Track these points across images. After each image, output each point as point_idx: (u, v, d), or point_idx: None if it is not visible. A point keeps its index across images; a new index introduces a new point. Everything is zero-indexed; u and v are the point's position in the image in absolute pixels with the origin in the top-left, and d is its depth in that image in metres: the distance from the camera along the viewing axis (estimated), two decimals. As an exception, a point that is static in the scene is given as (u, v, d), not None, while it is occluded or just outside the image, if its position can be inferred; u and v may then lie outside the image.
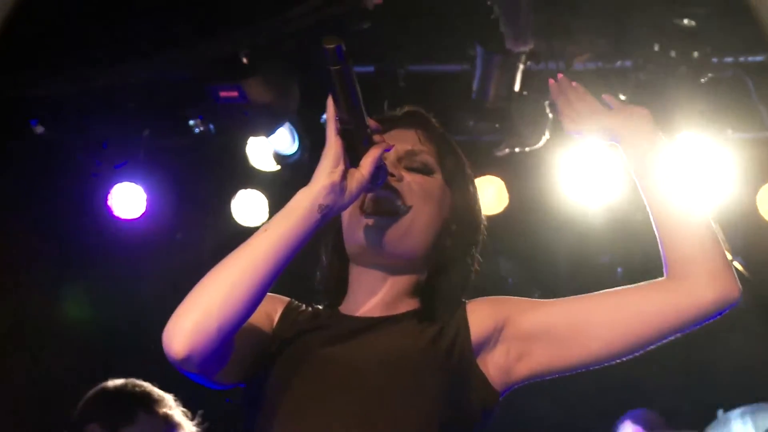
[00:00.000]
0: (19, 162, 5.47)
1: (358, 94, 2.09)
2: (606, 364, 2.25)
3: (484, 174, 5.46)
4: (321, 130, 5.12)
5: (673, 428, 5.42)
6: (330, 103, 2.12)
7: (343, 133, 2.14)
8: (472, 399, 2.20)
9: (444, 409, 2.14)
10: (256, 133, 5.14)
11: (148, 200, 5.50)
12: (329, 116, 2.14)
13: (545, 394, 2.31)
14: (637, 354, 2.23)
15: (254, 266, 2.07)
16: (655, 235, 2.27)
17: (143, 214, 5.52)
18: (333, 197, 2.12)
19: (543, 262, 6.10)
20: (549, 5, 4.63)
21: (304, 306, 2.36)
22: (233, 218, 5.70)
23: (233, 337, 2.09)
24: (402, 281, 2.30)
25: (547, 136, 4.94)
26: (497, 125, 4.92)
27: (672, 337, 2.21)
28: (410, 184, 2.28)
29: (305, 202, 2.12)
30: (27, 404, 5.61)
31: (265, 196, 5.69)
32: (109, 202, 5.48)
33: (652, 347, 2.22)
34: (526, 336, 2.22)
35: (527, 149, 5.00)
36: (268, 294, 2.13)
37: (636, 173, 2.31)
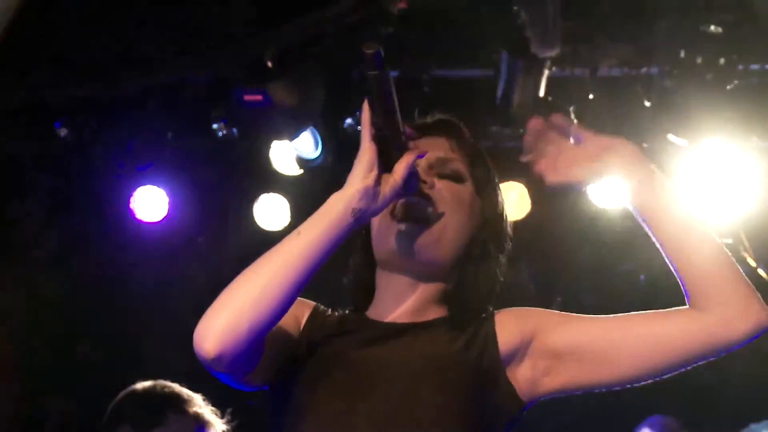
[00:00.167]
0: (43, 164, 5.50)
1: (394, 100, 2.09)
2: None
3: (506, 180, 5.45)
4: (344, 134, 5.18)
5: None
6: (366, 108, 2.12)
7: (377, 139, 2.14)
8: (500, 408, 2.19)
9: (471, 416, 2.14)
10: (279, 137, 5.14)
11: (170, 203, 5.51)
12: (365, 121, 2.14)
13: (562, 399, 2.30)
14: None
15: (287, 268, 2.07)
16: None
17: (165, 217, 5.52)
18: (366, 202, 2.12)
19: (565, 268, 6.09)
20: (574, 11, 4.62)
21: (330, 311, 2.36)
22: (255, 222, 5.70)
23: (263, 339, 2.09)
24: (430, 288, 2.29)
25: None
26: (521, 131, 4.90)
27: None
28: (442, 191, 2.28)
29: (339, 205, 2.12)
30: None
31: (288, 200, 5.69)
32: (132, 205, 5.48)
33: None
34: (553, 354, 2.20)
35: (551, 155, 4.97)
36: None
37: (641, 212, 2.19)
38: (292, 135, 5.05)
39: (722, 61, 4.75)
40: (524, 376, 2.21)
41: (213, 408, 3.50)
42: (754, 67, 4.93)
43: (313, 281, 2.12)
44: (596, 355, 2.17)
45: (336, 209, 2.12)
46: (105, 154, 5.36)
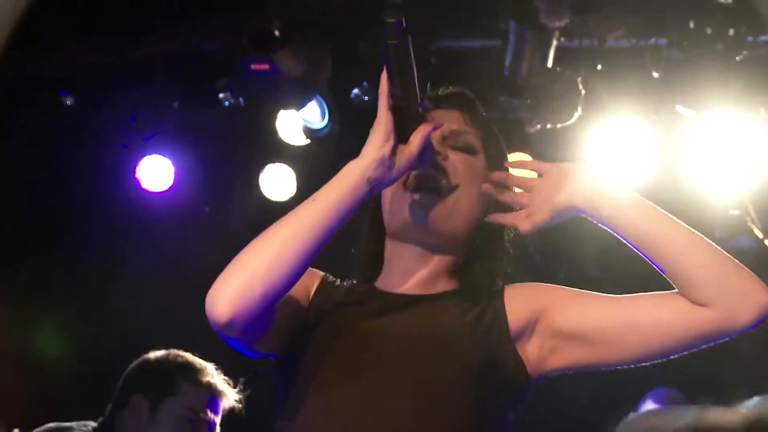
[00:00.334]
0: (48, 133, 5.48)
1: (413, 71, 2.08)
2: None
3: (513, 151, 5.42)
4: (351, 104, 5.15)
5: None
6: (384, 77, 2.11)
7: (394, 109, 2.13)
8: (508, 382, 2.20)
9: (479, 389, 2.15)
10: (286, 107, 5.11)
11: (176, 173, 5.49)
12: (382, 91, 2.14)
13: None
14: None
15: (301, 234, 2.07)
16: (682, 213, 2.22)
17: (171, 186, 5.51)
18: (382, 171, 2.12)
19: (570, 241, 6.07)
20: (583, -20, 4.59)
21: (339, 281, 2.36)
22: (261, 192, 5.68)
23: (275, 305, 2.09)
24: (441, 261, 2.30)
25: (579, 112, 4.91)
26: (529, 101, 4.88)
27: None
28: (455, 163, 2.28)
29: (355, 173, 2.12)
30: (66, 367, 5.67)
31: (294, 170, 5.67)
32: (138, 175, 5.47)
33: None
34: (559, 334, 2.21)
35: (559, 125, 4.96)
36: None
37: (617, 230, 2.18)
38: (299, 105, 5.03)
39: (731, 32, 4.71)
40: (532, 353, 2.22)
41: (225, 377, 3.52)
42: (763, 38, 4.88)
43: (322, 253, 2.12)
44: (601, 337, 2.18)
45: (352, 177, 2.12)
46: (110, 123, 5.34)
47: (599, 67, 4.91)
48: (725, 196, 5.22)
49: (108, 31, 4.88)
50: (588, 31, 4.76)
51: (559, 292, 2.26)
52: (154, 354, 3.57)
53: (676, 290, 2.14)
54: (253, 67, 4.68)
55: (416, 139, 2.15)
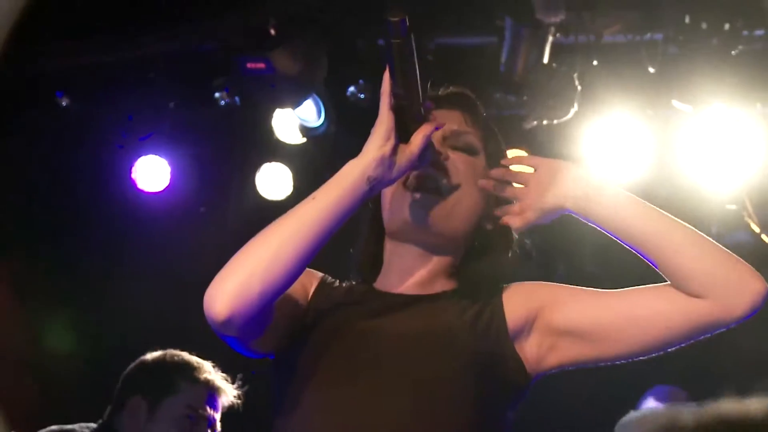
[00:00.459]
0: (44, 134, 5.47)
1: (416, 70, 2.07)
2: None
3: (510, 147, 5.41)
4: (347, 102, 5.14)
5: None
6: (386, 76, 2.11)
7: (396, 108, 2.12)
8: (507, 381, 2.20)
9: (478, 388, 2.14)
10: (282, 105, 5.10)
11: (172, 173, 5.49)
12: (384, 90, 2.13)
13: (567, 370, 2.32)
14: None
15: (300, 233, 2.07)
16: (679, 209, 2.22)
17: (167, 187, 5.51)
18: (382, 170, 2.12)
19: (568, 236, 6.06)
20: (579, -24, 4.59)
21: (337, 282, 2.36)
22: (258, 191, 5.67)
23: (273, 304, 2.09)
24: (440, 261, 2.29)
25: (575, 108, 4.91)
26: (525, 97, 4.88)
27: None
28: (456, 163, 2.28)
29: (355, 172, 2.12)
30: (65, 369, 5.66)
31: (290, 169, 5.66)
32: (134, 175, 5.47)
33: None
34: (557, 332, 2.21)
35: (555, 122, 4.96)
36: None
37: (607, 228, 2.19)
38: (295, 103, 5.02)
39: (727, 26, 4.71)
40: (531, 351, 2.22)
41: (223, 374, 3.52)
42: (759, 32, 4.89)
43: (321, 253, 2.12)
44: (599, 332, 2.18)
45: (352, 176, 2.11)
46: (106, 123, 5.33)
47: (595, 62, 4.91)
48: (722, 191, 5.22)
49: (103, 32, 4.87)
50: (584, 27, 4.76)
51: (556, 290, 2.26)
52: (151, 355, 3.58)
53: (670, 283, 2.14)
54: (249, 65, 4.68)
55: (417, 139, 2.14)
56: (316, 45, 4.76)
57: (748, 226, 5.41)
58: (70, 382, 5.65)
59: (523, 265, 2.45)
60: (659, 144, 5.08)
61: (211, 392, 3.50)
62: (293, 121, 5.33)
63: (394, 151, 2.13)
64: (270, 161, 5.67)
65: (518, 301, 2.23)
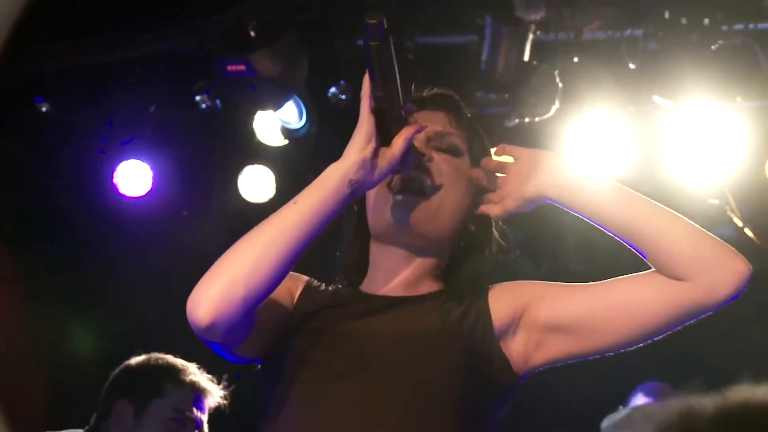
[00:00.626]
0: (24, 139, 5.45)
1: (395, 73, 2.07)
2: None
3: (491, 146, 5.41)
4: (328, 103, 5.13)
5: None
6: (366, 79, 2.10)
7: (376, 111, 2.12)
8: (494, 381, 2.20)
9: (465, 389, 2.14)
10: (263, 108, 5.09)
11: (154, 177, 5.47)
12: (364, 93, 2.13)
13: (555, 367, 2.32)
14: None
15: (282, 237, 2.06)
16: (662, 204, 2.22)
17: (149, 191, 5.49)
18: (363, 173, 2.12)
19: (551, 234, 6.08)
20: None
21: (323, 285, 2.36)
22: (240, 194, 5.66)
23: (257, 309, 2.08)
24: (425, 262, 2.29)
25: (556, 105, 4.91)
26: (506, 95, 4.88)
27: None
28: (439, 164, 2.28)
29: (336, 176, 2.11)
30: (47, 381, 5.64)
31: (273, 171, 5.65)
32: (115, 180, 5.45)
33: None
34: (543, 328, 2.21)
35: (537, 119, 4.97)
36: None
37: (590, 217, 2.19)
38: (276, 105, 5.01)
39: (706, 21, 4.72)
40: (517, 350, 2.22)
41: (209, 376, 3.52)
42: (738, 27, 4.90)
43: (306, 256, 2.11)
44: (585, 325, 2.18)
45: (333, 180, 2.11)
46: (87, 128, 5.31)
47: (576, 59, 4.91)
48: (704, 185, 5.24)
49: (82, 35, 4.85)
50: (564, 24, 4.77)
51: (541, 287, 2.27)
52: (135, 359, 3.58)
53: (653, 269, 2.14)
54: (229, 68, 4.66)
55: (398, 142, 2.14)
56: (296, 46, 4.75)
57: (731, 220, 5.43)
58: (72, 382, 5.63)
59: (508, 264, 2.45)
60: (641, 140, 5.09)
61: (197, 394, 3.50)
62: (275, 123, 5.32)
63: (375, 154, 2.13)
64: (252, 164, 5.66)
65: (504, 300, 2.23)
